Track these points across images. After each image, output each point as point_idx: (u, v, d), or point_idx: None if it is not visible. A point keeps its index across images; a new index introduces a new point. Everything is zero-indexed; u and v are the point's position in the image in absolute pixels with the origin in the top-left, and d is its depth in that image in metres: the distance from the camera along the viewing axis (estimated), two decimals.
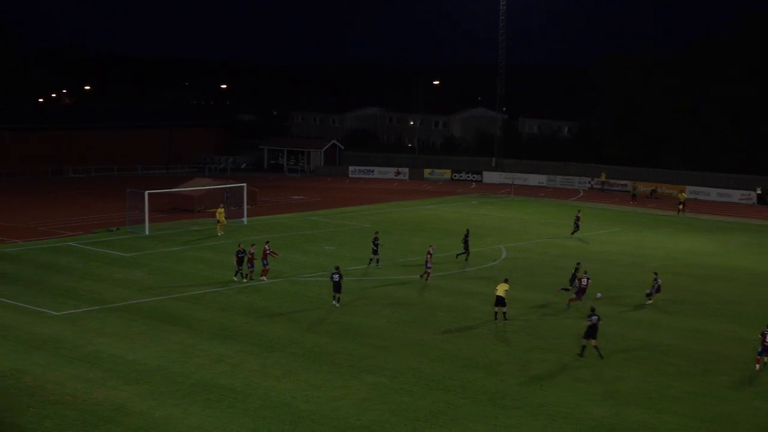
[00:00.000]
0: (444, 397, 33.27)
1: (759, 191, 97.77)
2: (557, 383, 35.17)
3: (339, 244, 65.89)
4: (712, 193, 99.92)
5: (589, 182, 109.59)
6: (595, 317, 38.52)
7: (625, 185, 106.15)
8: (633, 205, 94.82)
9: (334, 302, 47.17)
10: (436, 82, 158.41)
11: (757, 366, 37.58)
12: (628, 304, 48.56)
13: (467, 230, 62.58)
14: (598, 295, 49.46)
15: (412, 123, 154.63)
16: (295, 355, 38.30)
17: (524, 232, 73.82)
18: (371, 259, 57.74)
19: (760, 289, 53.83)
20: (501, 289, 44.21)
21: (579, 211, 74.41)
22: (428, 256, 53.51)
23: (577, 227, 71.07)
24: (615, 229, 72.44)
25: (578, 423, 30.87)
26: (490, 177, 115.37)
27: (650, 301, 48.30)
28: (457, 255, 60.76)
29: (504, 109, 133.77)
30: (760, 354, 37.73)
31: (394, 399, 32.91)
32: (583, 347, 38.77)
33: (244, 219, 74.56)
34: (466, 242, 60.60)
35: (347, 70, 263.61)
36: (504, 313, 44.30)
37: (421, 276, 53.61)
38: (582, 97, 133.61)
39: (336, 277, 46.70)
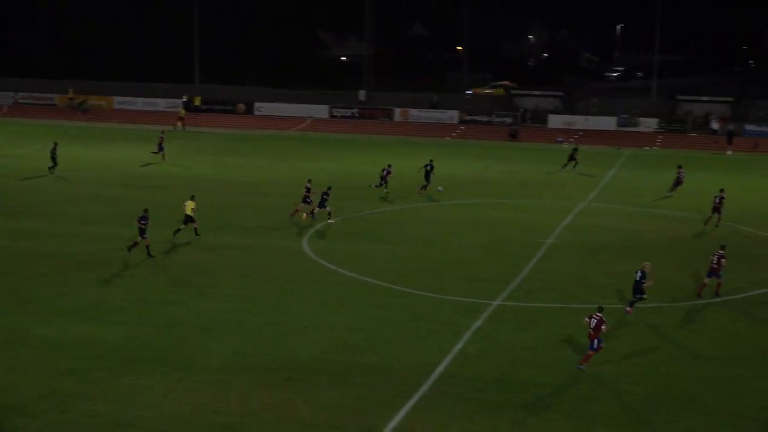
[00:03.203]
0: None
1: (185, 98, 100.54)
2: None
3: None
4: (139, 102, 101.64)
5: (13, 97, 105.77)
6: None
7: (52, 98, 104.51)
8: (84, 119, 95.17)
9: None
10: None
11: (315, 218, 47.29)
12: (93, 221, 47.66)
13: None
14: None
15: None
16: None
17: None
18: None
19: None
20: (188, 207, 43.16)
21: (163, 132, 70.80)
22: None
23: (161, 149, 67.58)
24: (41, 144, 70.02)
25: (19, 346, 29.59)
26: None
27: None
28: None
29: None
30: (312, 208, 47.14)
31: None
32: (135, 243, 40.36)
33: None
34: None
35: None
36: (195, 228, 43.71)
37: None
38: (12, 8, 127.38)
39: None
